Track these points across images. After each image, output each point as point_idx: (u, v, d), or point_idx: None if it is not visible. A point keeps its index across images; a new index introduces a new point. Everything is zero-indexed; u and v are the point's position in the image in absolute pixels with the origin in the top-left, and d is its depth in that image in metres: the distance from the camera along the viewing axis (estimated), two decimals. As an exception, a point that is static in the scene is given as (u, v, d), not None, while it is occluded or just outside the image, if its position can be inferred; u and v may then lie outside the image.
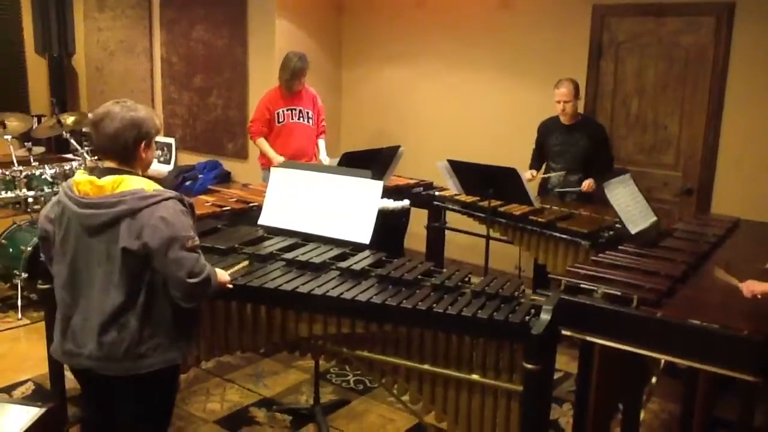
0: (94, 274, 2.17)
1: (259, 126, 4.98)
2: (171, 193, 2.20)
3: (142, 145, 2.22)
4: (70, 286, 2.22)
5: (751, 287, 2.39)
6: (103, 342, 2.14)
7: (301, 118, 5.03)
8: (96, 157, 4.33)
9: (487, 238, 4.13)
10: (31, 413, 2.37)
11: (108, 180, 2.16)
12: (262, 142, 4.97)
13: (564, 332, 2.47)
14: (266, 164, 4.89)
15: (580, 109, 4.70)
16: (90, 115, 2.34)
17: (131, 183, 2.16)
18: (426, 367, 2.49)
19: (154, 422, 2.32)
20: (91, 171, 2.22)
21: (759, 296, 2.37)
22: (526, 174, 4.54)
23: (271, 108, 4.96)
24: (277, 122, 4.97)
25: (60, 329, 2.25)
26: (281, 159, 4.74)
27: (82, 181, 2.18)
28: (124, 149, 2.19)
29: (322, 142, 5.18)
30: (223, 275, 2.39)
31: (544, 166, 4.71)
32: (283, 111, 4.97)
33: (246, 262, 2.78)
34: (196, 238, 2.19)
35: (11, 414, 2.37)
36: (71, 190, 2.20)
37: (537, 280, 4.55)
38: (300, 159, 4.84)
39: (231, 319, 2.70)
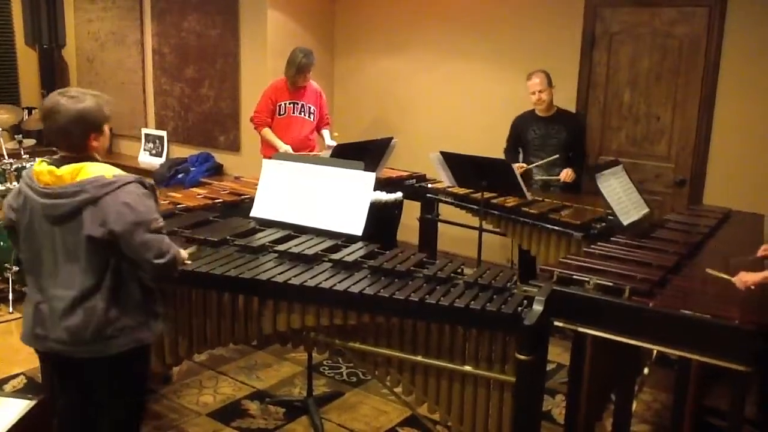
0: (59, 262, 2.19)
1: (263, 117, 5.03)
2: (131, 177, 2.21)
3: (92, 136, 2.22)
4: (37, 272, 2.25)
5: (743, 278, 2.41)
6: (69, 326, 2.16)
7: (303, 113, 5.09)
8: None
9: (480, 230, 4.13)
10: (22, 406, 2.37)
11: (67, 169, 2.17)
12: (267, 131, 5.02)
13: (556, 323, 2.48)
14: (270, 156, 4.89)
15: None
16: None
17: (90, 170, 2.17)
18: (419, 358, 2.49)
19: (128, 401, 2.36)
20: (50, 161, 2.22)
21: (752, 287, 2.38)
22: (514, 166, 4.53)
23: (274, 99, 5.03)
24: (278, 114, 5.04)
25: (30, 314, 2.27)
26: (288, 147, 4.80)
27: (41, 171, 2.19)
28: (72, 142, 2.21)
29: (326, 132, 5.25)
30: (183, 253, 2.41)
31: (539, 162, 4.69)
32: (285, 104, 5.04)
33: (195, 247, 2.80)
34: (160, 219, 2.22)
35: (2, 407, 2.37)
36: (32, 179, 2.21)
37: (523, 272, 4.54)
38: (297, 152, 4.85)
39: (223, 311, 2.69)
